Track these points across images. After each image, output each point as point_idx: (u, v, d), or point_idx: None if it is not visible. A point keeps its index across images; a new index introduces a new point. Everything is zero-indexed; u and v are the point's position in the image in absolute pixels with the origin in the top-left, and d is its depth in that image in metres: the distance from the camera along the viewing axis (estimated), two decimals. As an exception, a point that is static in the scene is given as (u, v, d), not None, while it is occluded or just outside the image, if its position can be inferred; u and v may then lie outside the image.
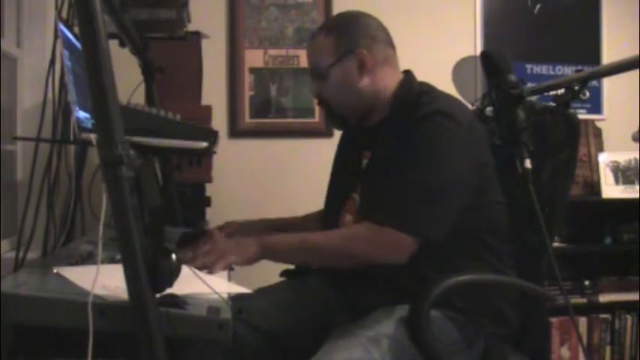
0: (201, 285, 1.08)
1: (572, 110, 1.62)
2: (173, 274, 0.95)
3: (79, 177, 1.91)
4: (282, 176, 3.25)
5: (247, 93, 3.26)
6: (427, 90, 1.57)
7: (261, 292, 1.64)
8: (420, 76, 1.65)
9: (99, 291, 0.96)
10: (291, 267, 1.75)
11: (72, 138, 1.89)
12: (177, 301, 1.00)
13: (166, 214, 2.12)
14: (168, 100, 2.29)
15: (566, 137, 1.63)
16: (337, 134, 1.85)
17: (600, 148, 3.37)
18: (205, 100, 2.70)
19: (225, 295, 1.10)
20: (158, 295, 0.95)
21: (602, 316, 3.32)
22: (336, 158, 1.82)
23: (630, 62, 1.50)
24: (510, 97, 1.58)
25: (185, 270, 1.04)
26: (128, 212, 0.92)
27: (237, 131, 3.25)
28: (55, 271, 1.13)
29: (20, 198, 2.08)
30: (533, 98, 1.67)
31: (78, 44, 1.54)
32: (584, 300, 3.30)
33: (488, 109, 1.68)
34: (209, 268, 1.32)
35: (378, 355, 1.34)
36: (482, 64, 1.67)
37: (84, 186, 1.88)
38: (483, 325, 1.49)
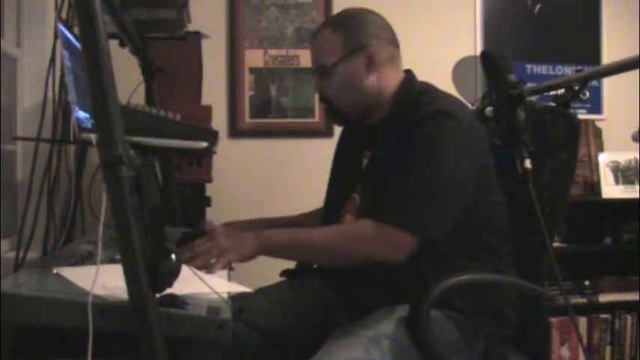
0: (201, 285, 1.08)
1: (572, 110, 1.62)
2: (173, 274, 0.95)
3: (79, 177, 1.91)
4: (282, 176, 3.25)
5: (247, 93, 3.26)
6: (428, 90, 1.57)
7: (261, 292, 1.64)
8: (420, 76, 1.65)
9: (99, 291, 0.96)
10: (291, 267, 1.75)
11: (72, 138, 1.89)
12: (177, 301, 1.00)
13: (166, 214, 2.12)
14: (168, 100, 2.29)
15: (566, 137, 1.63)
16: (337, 134, 1.85)
17: (600, 148, 3.37)
18: (205, 100, 2.70)
19: (225, 295, 1.10)
20: (158, 295, 0.95)
21: (602, 316, 3.32)
22: (335, 156, 1.81)
23: (630, 62, 1.50)
24: (510, 97, 1.58)
25: (185, 270, 1.05)
26: (128, 212, 0.92)
27: (237, 131, 3.25)
28: (55, 271, 1.13)
29: (20, 198, 2.08)
30: (533, 98, 1.67)
31: (78, 44, 1.54)
32: (584, 300, 3.30)
33: (488, 109, 1.68)
34: (208, 268, 1.32)
35: (378, 355, 1.34)
36: (482, 64, 1.67)
37: (84, 186, 1.88)
38: (483, 325, 1.49)
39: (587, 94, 3.49)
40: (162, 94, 2.27)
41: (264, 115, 3.28)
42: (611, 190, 3.28)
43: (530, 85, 1.73)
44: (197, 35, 2.57)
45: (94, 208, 1.43)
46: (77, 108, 1.47)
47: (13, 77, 2.13)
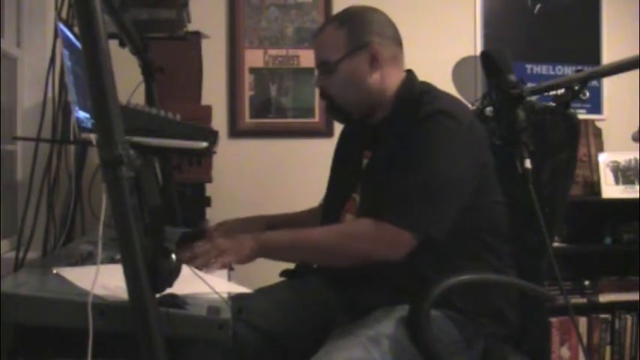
0: (201, 285, 1.08)
1: (572, 110, 1.62)
2: (173, 274, 0.95)
3: (79, 177, 1.91)
4: (282, 176, 3.25)
5: (247, 93, 3.26)
6: (428, 89, 1.57)
7: (261, 292, 1.64)
8: (420, 76, 1.65)
9: (99, 291, 0.96)
10: (291, 267, 1.75)
11: (72, 138, 1.89)
12: (177, 301, 1.00)
13: (166, 214, 2.12)
14: (169, 100, 2.29)
15: (566, 137, 1.63)
16: (337, 134, 1.85)
17: (600, 148, 3.37)
18: (205, 100, 2.70)
19: (225, 295, 1.10)
20: (158, 295, 0.95)
21: (602, 316, 3.32)
22: (335, 155, 1.81)
23: (630, 62, 1.50)
24: (510, 97, 1.58)
25: (185, 270, 1.05)
26: (128, 212, 0.92)
27: (237, 131, 3.25)
28: (55, 271, 1.13)
29: (20, 198, 2.08)
30: (533, 98, 1.67)
31: (78, 44, 1.54)
32: (584, 300, 3.30)
33: (488, 109, 1.68)
34: (207, 267, 1.32)
35: (378, 355, 1.34)
36: (482, 64, 1.67)
37: (84, 186, 1.88)
38: (483, 325, 1.49)
39: (587, 94, 3.50)
40: (162, 94, 2.27)
41: (264, 115, 3.28)
42: (611, 190, 3.28)
43: (530, 85, 1.73)
44: (197, 35, 2.57)
45: (94, 208, 1.43)
46: (77, 108, 1.47)
47: (13, 77, 2.13)
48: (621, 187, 3.30)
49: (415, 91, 1.58)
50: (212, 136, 1.57)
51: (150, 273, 0.93)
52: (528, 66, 3.46)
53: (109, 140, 0.93)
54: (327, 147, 1.93)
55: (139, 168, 0.95)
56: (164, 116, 1.56)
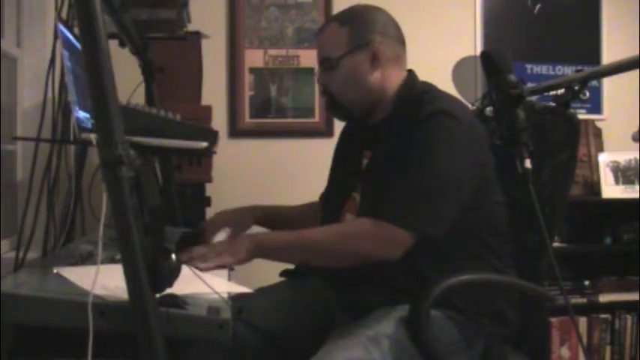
0: (201, 285, 1.08)
1: (572, 110, 1.62)
2: (173, 274, 0.96)
3: (79, 177, 1.91)
4: (282, 176, 3.25)
5: (247, 93, 3.26)
6: (429, 89, 1.57)
7: (261, 292, 1.64)
8: (421, 76, 1.65)
9: (99, 291, 0.96)
10: (291, 267, 1.75)
11: (72, 138, 1.89)
12: (177, 301, 1.00)
13: (166, 214, 2.12)
14: (169, 100, 2.29)
15: (566, 137, 1.63)
16: (337, 134, 1.85)
17: (600, 148, 3.37)
18: (205, 100, 2.70)
19: (225, 295, 1.10)
20: (158, 295, 0.95)
21: (602, 316, 3.32)
22: (335, 155, 1.81)
23: (630, 62, 1.50)
24: (510, 97, 1.58)
25: (185, 270, 1.05)
26: (128, 212, 0.92)
27: (237, 131, 3.25)
28: (55, 271, 1.13)
29: (20, 198, 2.08)
30: (533, 98, 1.67)
31: (78, 44, 1.54)
32: (584, 300, 3.30)
33: (488, 109, 1.68)
34: (204, 268, 1.32)
35: (379, 354, 1.34)
36: (482, 64, 1.67)
37: (84, 186, 1.88)
38: (483, 325, 1.49)
39: (587, 94, 3.50)
40: (162, 94, 2.27)
41: (264, 115, 3.28)
42: (611, 190, 3.28)
43: (530, 85, 1.73)
44: (197, 35, 2.57)
45: (94, 208, 1.43)
46: (77, 108, 1.47)
47: (13, 77, 2.13)
48: (621, 187, 3.30)
49: (416, 91, 1.58)
50: (212, 136, 1.57)
51: (150, 273, 0.93)
52: (528, 66, 3.46)
53: (109, 140, 0.93)
54: (327, 147, 1.93)
55: (139, 168, 0.95)
56: (164, 116, 1.56)
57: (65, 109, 1.84)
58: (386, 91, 1.59)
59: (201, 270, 1.28)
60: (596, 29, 3.54)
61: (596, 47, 3.54)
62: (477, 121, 1.57)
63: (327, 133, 3.21)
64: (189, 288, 1.07)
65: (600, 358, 3.30)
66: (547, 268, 1.60)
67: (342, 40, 1.58)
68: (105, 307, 0.95)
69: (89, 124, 1.49)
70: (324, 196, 1.84)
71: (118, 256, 1.06)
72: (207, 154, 1.60)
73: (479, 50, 3.28)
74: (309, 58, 3.20)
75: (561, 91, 1.62)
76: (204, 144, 1.54)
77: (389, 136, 1.56)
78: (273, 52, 3.27)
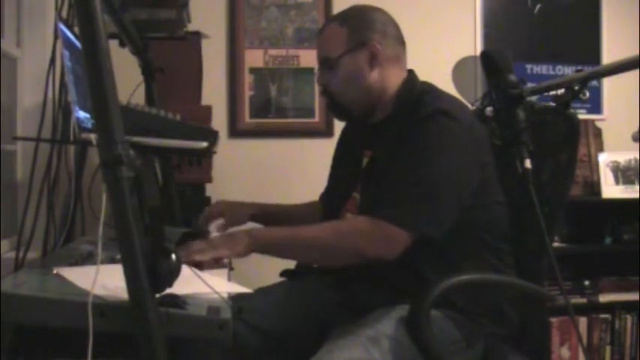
0: (201, 285, 1.08)
1: (572, 110, 1.62)
2: (173, 274, 0.96)
3: (79, 177, 1.91)
4: (282, 176, 3.25)
5: (247, 93, 3.26)
6: (429, 89, 1.58)
7: (261, 292, 1.64)
8: (420, 75, 1.65)
9: (99, 291, 0.96)
10: (291, 267, 1.75)
11: (72, 138, 1.89)
12: (177, 301, 1.00)
13: (166, 214, 2.12)
14: (169, 100, 2.29)
15: (566, 137, 1.63)
16: (337, 134, 1.85)
17: (600, 148, 3.37)
18: (205, 100, 2.70)
19: (225, 295, 1.10)
20: (158, 295, 0.95)
21: (602, 316, 3.32)
22: (335, 155, 1.82)
23: (630, 62, 1.50)
24: (510, 97, 1.58)
25: (185, 270, 1.05)
26: (128, 212, 0.92)
27: (237, 131, 3.25)
28: (55, 271, 1.13)
29: (20, 198, 2.08)
30: (533, 98, 1.67)
31: (78, 44, 1.54)
32: (584, 300, 3.30)
33: (488, 109, 1.68)
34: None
35: (379, 354, 1.34)
36: (482, 64, 1.67)
37: (84, 186, 1.88)
38: (483, 325, 1.49)
39: (587, 94, 3.49)
40: (162, 94, 2.27)
41: (264, 115, 3.28)
42: (611, 190, 3.28)
43: (530, 85, 1.73)
44: (197, 35, 2.57)
45: (94, 208, 1.43)
46: (77, 108, 1.47)
47: (13, 77, 2.13)
48: (621, 187, 3.30)
49: (416, 91, 1.58)
50: (212, 136, 1.57)
51: (150, 273, 0.93)
52: (528, 66, 3.46)
53: (109, 140, 0.93)
54: (327, 147, 1.93)
55: (139, 168, 0.95)
56: (164, 116, 1.56)
57: (65, 109, 1.84)
58: (386, 91, 1.60)
59: (198, 262, 1.28)
60: (596, 29, 3.54)
61: (596, 47, 3.54)
62: (477, 121, 1.57)
63: (327, 133, 3.21)
64: (189, 288, 1.07)
65: (600, 358, 3.30)
66: (547, 268, 1.60)
67: (341, 39, 1.58)
68: (105, 307, 0.95)
69: (89, 124, 1.49)
70: (324, 196, 1.84)
71: (118, 256, 1.06)
72: (207, 154, 1.60)
73: (479, 50, 3.28)
74: (309, 58, 3.20)
75: (561, 91, 1.62)
76: (204, 144, 1.54)
77: (389, 135, 1.56)
78: (273, 52, 3.27)
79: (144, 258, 0.92)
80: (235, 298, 1.14)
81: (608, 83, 3.53)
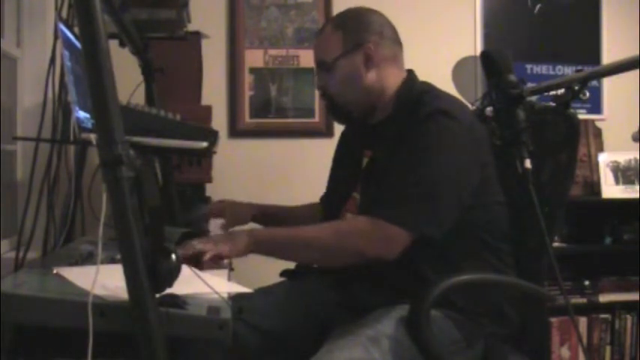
0: (201, 285, 1.08)
1: (572, 110, 1.62)
2: (173, 274, 0.95)
3: (79, 177, 1.91)
4: (282, 176, 3.25)
5: (247, 93, 3.26)
6: (429, 89, 1.58)
7: (261, 292, 1.64)
8: (420, 75, 1.66)
9: (99, 291, 0.96)
10: (291, 267, 1.75)
11: (72, 138, 1.89)
12: (177, 301, 0.99)
13: (166, 214, 2.12)
14: (169, 100, 2.29)
15: (566, 137, 1.63)
16: (337, 134, 1.86)
17: (600, 148, 3.37)
18: (205, 100, 2.70)
19: (225, 295, 1.10)
20: (158, 295, 0.95)
21: (602, 316, 3.32)
22: (335, 155, 1.82)
23: (630, 62, 1.50)
24: (510, 97, 1.58)
25: (185, 270, 1.05)
26: (128, 212, 0.92)
27: (237, 131, 3.25)
28: (55, 271, 1.13)
29: (20, 198, 2.08)
30: (533, 98, 1.67)
31: (78, 44, 1.54)
32: (584, 300, 3.30)
33: (488, 109, 1.68)
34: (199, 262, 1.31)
35: (379, 354, 1.34)
36: (482, 64, 1.67)
37: (84, 186, 1.88)
38: (483, 325, 1.49)
39: (587, 94, 3.49)
40: (162, 94, 2.27)
41: (264, 115, 3.28)
42: (611, 190, 3.28)
43: (530, 85, 1.73)
44: (197, 35, 2.57)
45: (94, 208, 1.43)
46: (77, 108, 1.47)
47: (13, 77, 2.13)
48: (621, 187, 3.30)
49: (415, 91, 1.58)
50: (212, 136, 1.57)
51: (150, 273, 0.93)
52: (528, 66, 3.46)
53: (108, 140, 0.93)
54: (327, 147, 1.93)
55: (139, 168, 0.95)
56: (164, 116, 1.56)
57: (65, 109, 1.84)
58: (384, 91, 1.60)
59: (199, 261, 1.28)
60: (596, 29, 3.54)
61: (596, 47, 3.54)
62: (477, 121, 1.57)
63: (327, 133, 3.21)
64: (189, 288, 1.07)
65: (600, 358, 3.30)
66: (547, 268, 1.60)
67: (337, 43, 1.60)
68: (105, 307, 0.95)
69: (89, 124, 1.49)
70: (324, 198, 1.84)
71: (118, 256, 1.06)
72: (207, 154, 1.60)
73: (479, 50, 3.28)
74: (309, 58, 3.20)
75: (561, 91, 1.62)
76: (204, 144, 1.54)
77: (389, 136, 1.56)
78: (273, 52, 3.27)
79: (144, 258, 0.92)
80: (235, 298, 1.14)
81: (608, 83, 3.53)
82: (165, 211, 2.11)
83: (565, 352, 3.24)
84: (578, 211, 3.07)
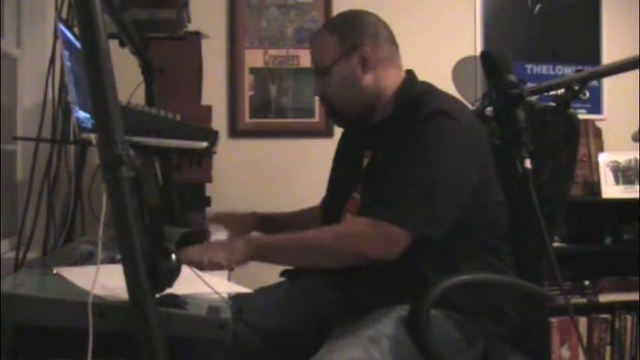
0: (201, 285, 1.08)
1: (572, 110, 1.62)
2: (173, 274, 0.96)
3: (79, 177, 1.91)
4: (282, 176, 3.25)
5: (247, 93, 3.26)
6: (428, 89, 1.58)
7: (261, 292, 1.64)
8: (420, 75, 1.65)
9: (99, 291, 0.96)
10: (291, 267, 1.75)
11: (72, 138, 1.89)
12: (177, 301, 1.00)
13: (166, 214, 2.12)
14: (169, 100, 2.29)
15: (566, 137, 1.63)
16: (337, 134, 1.86)
17: (600, 148, 3.37)
18: (205, 100, 2.70)
19: (225, 295, 1.10)
20: (158, 295, 0.95)
21: (602, 316, 3.32)
22: (336, 156, 1.82)
23: (630, 62, 1.50)
24: (510, 97, 1.58)
25: (185, 270, 1.05)
26: (128, 212, 0.92)
27: (237, 131, 3.25)
28: (55, 271, 1.13)
29: (20, 198, 2.08)
30: (533, 98, 1.67)
31: (78, 44, 1.54)
32: (584, 300, 3.30)
33: (488, 109, 1.68)
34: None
35: (379, 354, 1.34)
36: (482, 64, 1.67)
37: (84, 186, 1.88)
38: (483, 325, 1.49)
39: (587, 94, 3.49)
40: (162, 94, 2.27)
41: (264, 115, 3.28)
42: (611, 190, 3.28)
43: (530, 85, 1.73)
44: (197, 35, 2.57)
45: (94, 208, 1.43)
46: (77, 108, 1.47)
47: (13, 77, 2.13)
48: (621, 187, 3.30)
49: (415, 91, 1.58)
50: (212, 136, 1.57)
51: (150, 273, 0.93)
52: (528, 66, 3.46)
53: (108, 140, 0.93)
54: (327, 147, 1.93)
55: (139, 168, 0.95)
56: (164, 116, 1.56)
57: (65, 109, 1.84)
58: (383, 93, 1.60)
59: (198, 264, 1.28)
60: (596, 29, 3.54)
61: (596, 47, 3.54)
62: (477, 121, 1.57)
63: (327, 133, 3.20)
64: (189, 288, 1.07)
65: (600, 358, 3.30)
66: (547, 268, 1.60)
67: (332, 47, 1.60)
68: (105, 307, 0.95)
69: (89, 124, 1.49)
70: (325, 198, 1.84)
71: (118, 256, 1.06)
72: (207, 154, 1.60)
73: (479, 50, 3.27)
74: (309, 58, 3.18)
75: (561, 91, 1.62)
76: (204, 144, 1.54)
77: (389, 136, 1.56)
78: (273, 52, 3.27)
79: (144, 258, 0.92)
80: (235, 298, 1.14)
81: (608, 83, 3.53)
82: (165, 211, 2.11)
83: (565, 352, 3.24)
84: (578, 211, 3.07)
